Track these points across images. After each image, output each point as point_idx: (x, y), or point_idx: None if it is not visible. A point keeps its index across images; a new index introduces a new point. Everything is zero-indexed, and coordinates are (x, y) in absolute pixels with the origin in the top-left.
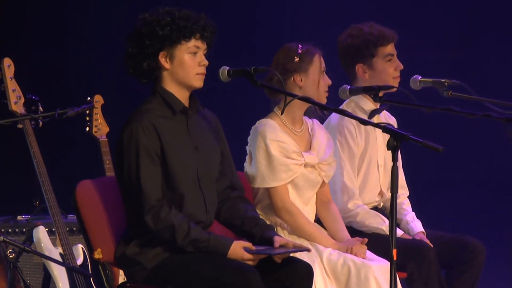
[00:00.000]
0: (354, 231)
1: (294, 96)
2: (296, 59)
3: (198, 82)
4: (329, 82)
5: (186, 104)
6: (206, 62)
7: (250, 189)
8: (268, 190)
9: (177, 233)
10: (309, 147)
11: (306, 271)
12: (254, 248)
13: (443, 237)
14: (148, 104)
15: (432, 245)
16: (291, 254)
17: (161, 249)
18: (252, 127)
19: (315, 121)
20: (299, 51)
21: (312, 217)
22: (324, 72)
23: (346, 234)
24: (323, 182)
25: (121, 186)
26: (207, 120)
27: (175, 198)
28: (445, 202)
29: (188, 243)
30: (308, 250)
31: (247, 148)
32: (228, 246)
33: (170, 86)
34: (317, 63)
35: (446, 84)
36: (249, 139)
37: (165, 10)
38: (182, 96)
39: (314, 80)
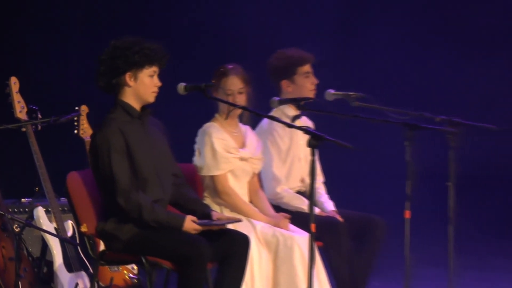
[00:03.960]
0: (282, 210)
1: (235, 105)
2: (213, 81)
3: (152, 99)
4: (240, 102)
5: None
6: (160, 84)
7: (199, 178)
8: (212, 177)
9: (143, 211)
10: (243, 145)
11: (244, 241)
12: (198, 221)
13: (353, 215)
14: (113, 114)
15: (343, 221)
16: (231, 227)
17: (133, 225)
18: (200, 129)
19: (247, 127)
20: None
21: (247, 199)
22: (235, 93)
23: (272, 211)
24: (254, 173)
25: (96, 178)
26: (155, 125)
27: (140, 182)
28: (358, 187)
29: (152, 219)
30: (239, 220)
31: (196, 145)
32: (182, 220)
33: (129, 99)
34: (220, 86)
35: (353, 96)
36: (197, 138)
37: (133, 40)
38: (137, 107)
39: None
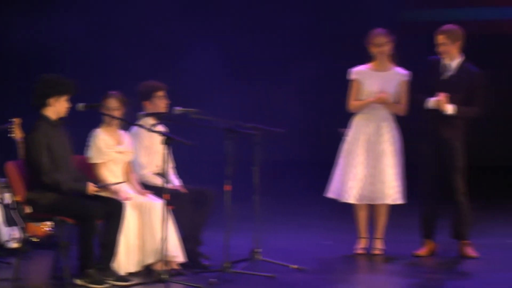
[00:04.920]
0: (146, 186)
1: (113, 117)
2: (102, 101)
3: (64, 114)
4: (117, 115)
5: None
6: (70, 105)
7: (90, 164)
8: (95, 164)
9: (60, 184)
10: (120, 143)
11: (122, 205)
12: (96, 185)
13: (193, 188)
14: (39, 122)
15: (187, 192)
16: (115, 197)
17: (50, 194)
18: (92, 133)
19: (123, 131)
20: None
21: (123, 178)
22: (113, 109)
23: (139, 187)
24: (127, 161)
25: (28, 164)
26: (63, 130)
27: (55, 166)
28: (199, 169)
29: (67, 189)
30: (120, 183)
31: (89, 142)
32: (86, 186)
33: (50, 113)
34: (105, 105)
35: (192, 111)
36: (90, 138)
37: (56, 76)
38: (55, 118)
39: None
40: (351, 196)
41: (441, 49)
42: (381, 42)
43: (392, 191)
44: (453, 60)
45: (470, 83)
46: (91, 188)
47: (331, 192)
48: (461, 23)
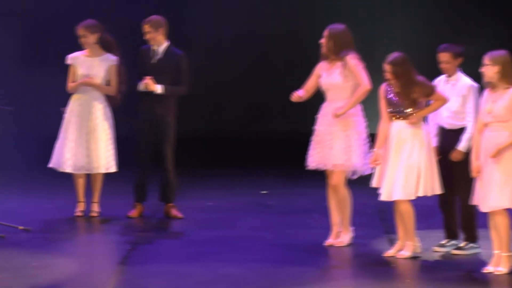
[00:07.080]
0: None
1: None
2: None
3: None
4: None
5: None
6: None
7: None
8: None
9: None
10: None
11: None
12: None
13: None
14: None
15: None
16: None
17: None
18: None
19: None
20: None
21: None
22: None
23: None
24: None
25: None
26: None
27: None
28: None
29: None
30: None
31: None
32: None
33: None
34: None
35: None
36: None
37: None
38: None
39: None
40: (69, 166)
41: (147, 36)
42: (81, 33)
43: (105, 161)
44: (160, 46)
45: (175, 65)
46: None
47: (52, 163)
48: None
